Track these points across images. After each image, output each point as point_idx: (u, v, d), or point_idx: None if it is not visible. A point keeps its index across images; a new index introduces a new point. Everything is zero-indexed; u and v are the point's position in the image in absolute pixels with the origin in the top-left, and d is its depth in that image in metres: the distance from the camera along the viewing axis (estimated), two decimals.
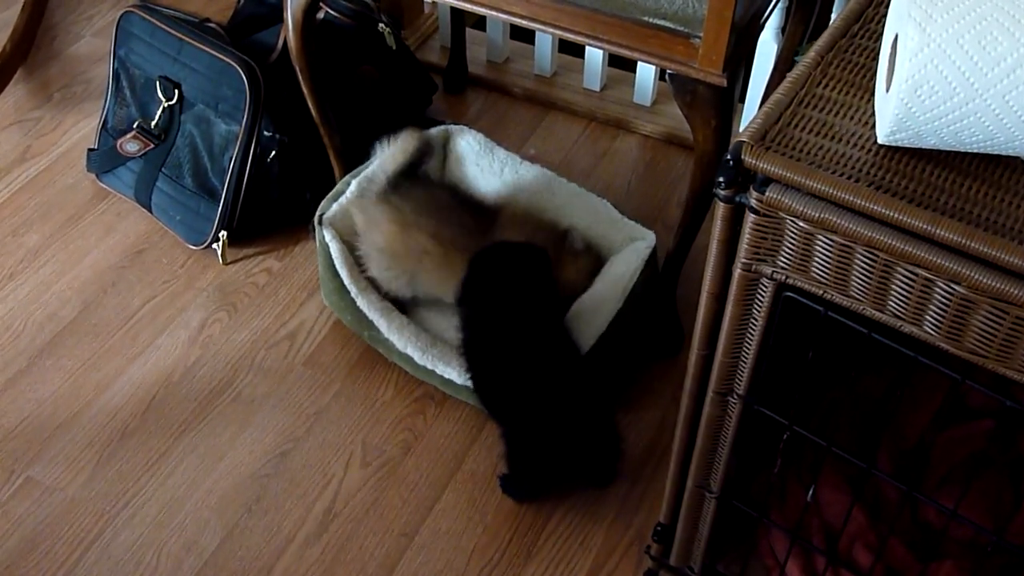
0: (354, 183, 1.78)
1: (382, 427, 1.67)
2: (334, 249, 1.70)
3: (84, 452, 1.63)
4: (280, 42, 1.89)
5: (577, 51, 2.33)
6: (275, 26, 1.96)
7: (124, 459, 1.62)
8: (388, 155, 1.73)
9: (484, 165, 1.89)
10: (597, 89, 2.30)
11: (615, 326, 1.62)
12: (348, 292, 1.69)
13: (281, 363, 1.76)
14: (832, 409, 1.40)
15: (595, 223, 1.79)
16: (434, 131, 1.91)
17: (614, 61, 2.29)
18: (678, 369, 1.76)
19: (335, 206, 1.76)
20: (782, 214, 0.94)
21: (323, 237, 1.71)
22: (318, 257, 1.74)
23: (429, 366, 1.64)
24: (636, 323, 1.70)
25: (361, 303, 1.68)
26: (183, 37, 1.89)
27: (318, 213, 1.75)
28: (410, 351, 1.65)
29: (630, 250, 1.74)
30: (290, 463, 1.62)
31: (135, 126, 1.97)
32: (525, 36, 2.36)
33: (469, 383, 1.55)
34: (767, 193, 0.93)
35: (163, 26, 1.92)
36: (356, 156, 1.89)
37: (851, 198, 0.88)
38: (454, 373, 1.62)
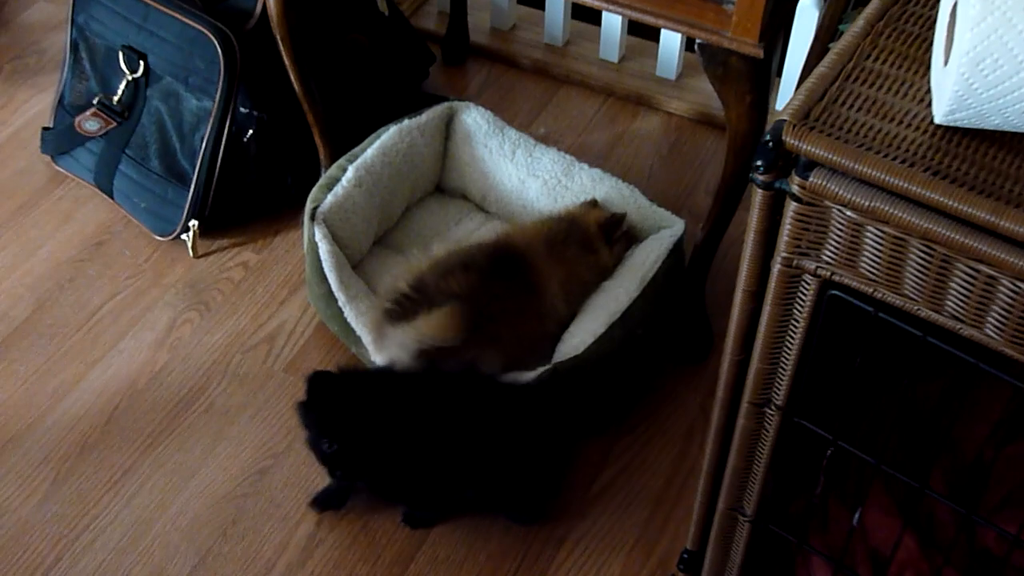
0: (351, 169, 1.79)
1: None
2: (323, 250, 1.70)
3: (39, 469, 1.64)
4: (259, 7, 1.89)
5: (593, 17, 2.33)
6: None
7: (83, 476, 1.63)
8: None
9: (493, 146, 1.90)
10: (615, 60, 2.30)
11: (627, 322, 1.62)
12: (335, 300, 1.69)
13: (259, 369, 1.77)
14: (880, 421, 1.40)
15: (621, 209, 1.80)
16: (437, 108, 1.91)
17: (634, 29, 2.29)
18: (707, 376, 1.76)
19: (330, 197, 1.76)
20: (827, 202, 0.94)
21: (313, 235, 1.72)
22: (306, 256, 1.74)
23: None
24: (657, 322, 1.70)
25: (349, 314, 1.68)
26: (150, 2, 1.89)
27: (310, 205, 1.75)
28: None
29: (653, 239, 1.74)
30: (269, 482, 1.62)
31: (95, 102, 1.97)
32: (534, 1, 2.36)
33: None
34: (811, 179, 0.93)
35: None
36: (343, 136, 1.90)
37: (905, 185, 0.89)
38: None
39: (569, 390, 1.58)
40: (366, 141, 1.86)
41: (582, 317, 1.66)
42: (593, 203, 1.80)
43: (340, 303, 1.68)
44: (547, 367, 1.57)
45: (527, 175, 1.88)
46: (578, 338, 1.61)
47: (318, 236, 1.71)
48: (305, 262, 1.75)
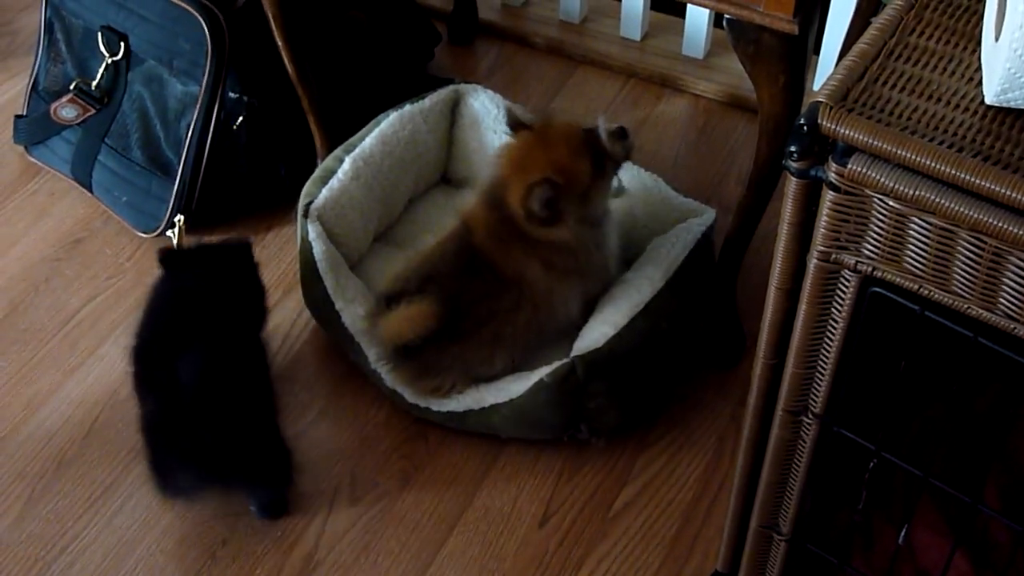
0: (348, 161, 1.79)
1: (375, 455, 1.68)
2: (318, 250, 1.70)
3: (12, 485, 1.64)
4: None
5: None
6: None
7: (61, 494, 1.63)
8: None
9: (502, 131, 1.90)
10: (637, 38, 2.30)
11: (650, 314, 1.61)
12: (332, 304, 1.69)
13: None
14: (928, 431, 1.40)
15: (645, 201, 1.80)
16: (441, 92, 1.91)
17: (658, 4, 2.29)
18: (738, 381, 1.76)
19: (325, 191, 1.76)
20: (868, 191, 0.94)
21: (307, 233, 1.72)
22: (300, 255, 1.75)
23: (422, 404, 1.66)
24: (683, 318, 1.69)
25: (345, 318, 1.69)
26: None
27: (303, 201, 1.75)
28: (400, 388, 1.67)
29: (681, 228, 1.74)
30: None
31: (72, 87, 1.98)
32: None
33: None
34: (850, 165, 0.93)
35: None
36: (341, 122, 1.90)
37: (953, 171, 0.88)
38: (453, 403, 1.64)
39: (591, 385, 1.58)
40: (364, 129, 1.86)
41: (603, 308, 1.65)
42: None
43: (337, 307, 1.68)
44: (565, 361, 1.57)
45: None
46: (598, 331, 1.61)
47: (312, 235, 1.71)
48: (300, 263, 1.75)
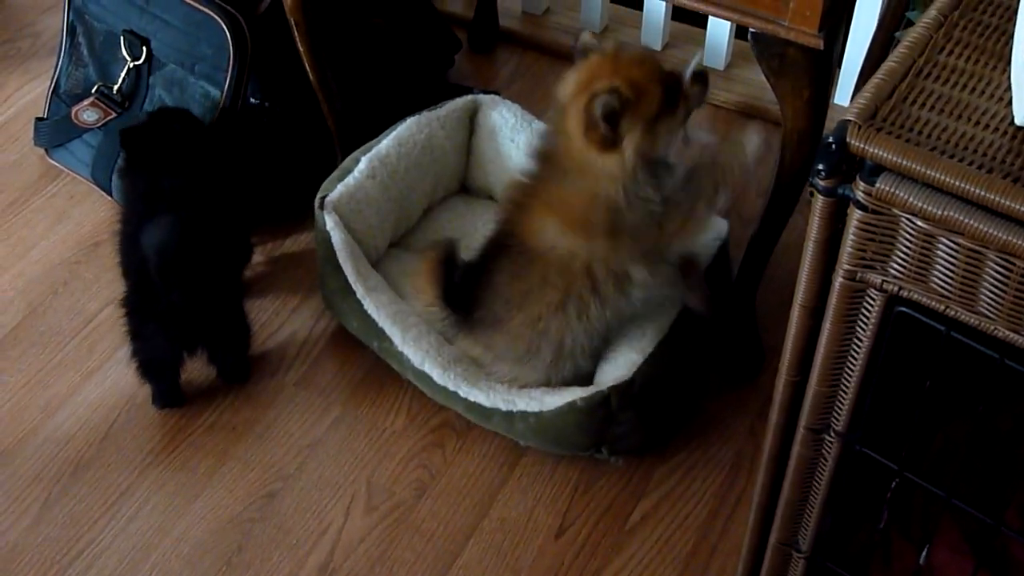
0: (364, 160, 1.79)
1: (391, 463, 1.68)
2: (337, 239, 1.71)
3: (29, 488, 1.65)
4: None
5: (633, 1, 2.33)
6: None
7: (78, 497, 1.64)
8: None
9: (521, 142, 1.90)
10: (658, 48, 2.30)
11: (674, 342, 1.61)
12: (353, 292, 1.70)
13: (268, 383, 1.77)
14: (950, 448, 1.39)
15: None
16: (459, 101, 1.91)
17: (679, 14, 2.29)
18: (757, 396, 1.75)
19: (340, 187, 1.77)
20: (896, 210, 0.93)
21: (324, 224, 1.72)
22: (317, 249, 1.75)
23: (451, 387, 1.65)
24: (701, 336, 1.69)
25: (369, 306, 1.69)
26: None
27: (320, 195, 1.76)
28: (428, 367, 1.65)
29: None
30: (279, 506, 1.63)
31: (94, 91, 1.98)
32: None
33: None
34: (878, 184, 0.92)
35: None
36: (361, 129, 1.90)
37: (982, 192, 0.88)
38: (482, 396, 1.62)
39: (621, 414, 1.58)
40: (383, 134, 1.86)
41: (627, 332, 1.64)
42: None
43: (358, 295, 1.68)
44: (602, 391, 1.56)
45: None
46: (627, 358, 1.60)
47: (330, 224, 1.72)
48: (317, 256, 1.76)
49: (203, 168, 1.76)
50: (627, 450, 1.65)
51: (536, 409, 1.59)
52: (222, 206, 1.76)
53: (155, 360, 1.68)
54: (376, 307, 1.69)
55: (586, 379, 1.64)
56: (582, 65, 1.50)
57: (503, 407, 1.62)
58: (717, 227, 1.76)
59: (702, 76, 1.50)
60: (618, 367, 1.60)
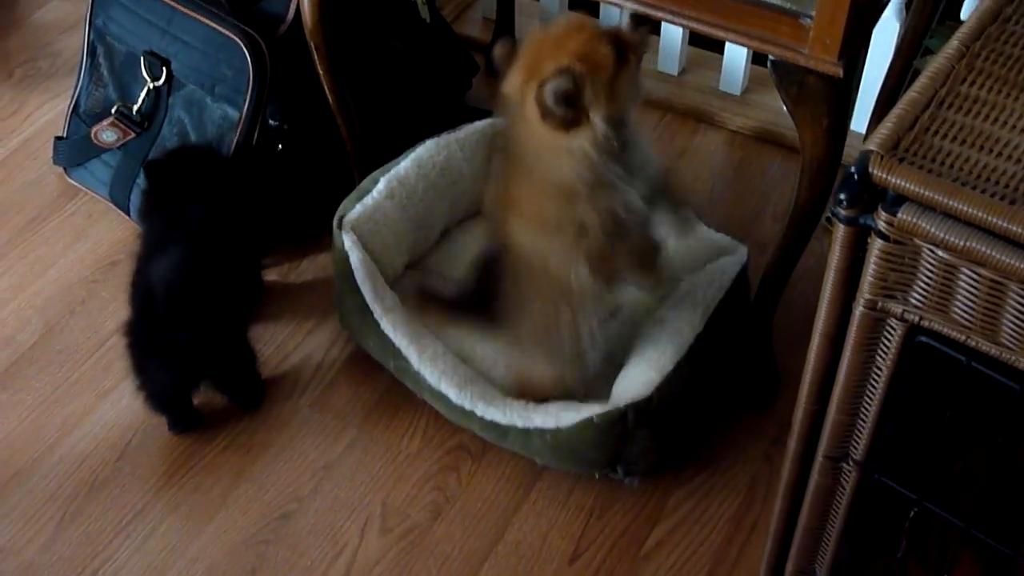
0: (383, 181, 1.80)
1: (407, 485, 1.68)
2: (355, 258, 1.72)
3: (45, 507, 1.65)
4: (291, 12, 1.91)
5: (650, 25, 2.33)
6: None
7: (92, 517, 1.64)
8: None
9: None
10: (675, 73, 2.30)
11: (693, 360, 1.61)
12: (371, 312, 1.70)
13: (283, 404, 1.78)
14: (969, 480, 1.39)
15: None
16: (478, 124, 1.91)
17: (696, 39, 2.29)
18: (773, 421, 1.75)
19: (359, 207, 1.77)
20: (918, 241, 0.93)
21: (342, 243, 1.73)
22: (335, 267, 1.76)
23: (467, 406, 1.65)
24: (721, 359, 1.69)
25: (386, 325, 1.69)
26: (175, 4, 1.91)
27: (338, 215, 1.76)
28: (444, 387, 1.66)
29: (713, 267, 1.74)
30: (293, 527, 1.63)
31: (114, 111, 1.99)
32: (587, 6, 2.36)
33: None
34: (900, 215, 0.92)
35: None
36: (379, 152, 1.91)
37: (1005, 224, 0.88)
38: (498, 413, 1.63)
39: (638, 432, 1.58)
40: (402, 155, 1.87)
41: (645, 350, 1.64)
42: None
43: (376, 315, 1.69)
44: (619, 407, 1.56)
45: None
46: (645, 375, 1.60)
47: (348, 244, 1.72)
48: (334, 275, 1.77)
49: (220, 204, 1.76)
50: (642, 470, 1.65)
51: (553, 425, 1.59)
52: (237, 243, 1.76)
53: (160, 393, 1.69)
54: (393, 327, 1.69)
55: (606, 384, 1.64)
56: (524, 52, 1.42)
57: (520, 423, 1.62)
58: (737, 252, 1.76)
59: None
60: (636, 385, 1.59)
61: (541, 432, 1.60)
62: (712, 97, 2.26)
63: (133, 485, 1.68)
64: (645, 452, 1.62)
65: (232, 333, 1.71)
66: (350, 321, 1.77)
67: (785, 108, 1.42)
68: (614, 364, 1.67)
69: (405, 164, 1.83)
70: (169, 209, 1.73)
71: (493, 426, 1.64)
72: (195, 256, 1.62)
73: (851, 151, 1.45)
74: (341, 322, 1.80)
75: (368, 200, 1.79)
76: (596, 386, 1.64)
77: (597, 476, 1.65)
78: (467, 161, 1.91)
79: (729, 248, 1.79)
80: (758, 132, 2.20)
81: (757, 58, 2.03)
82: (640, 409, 1.56)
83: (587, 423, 1.56)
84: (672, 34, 2.26)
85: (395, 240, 1.82)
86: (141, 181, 1.97)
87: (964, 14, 1.96)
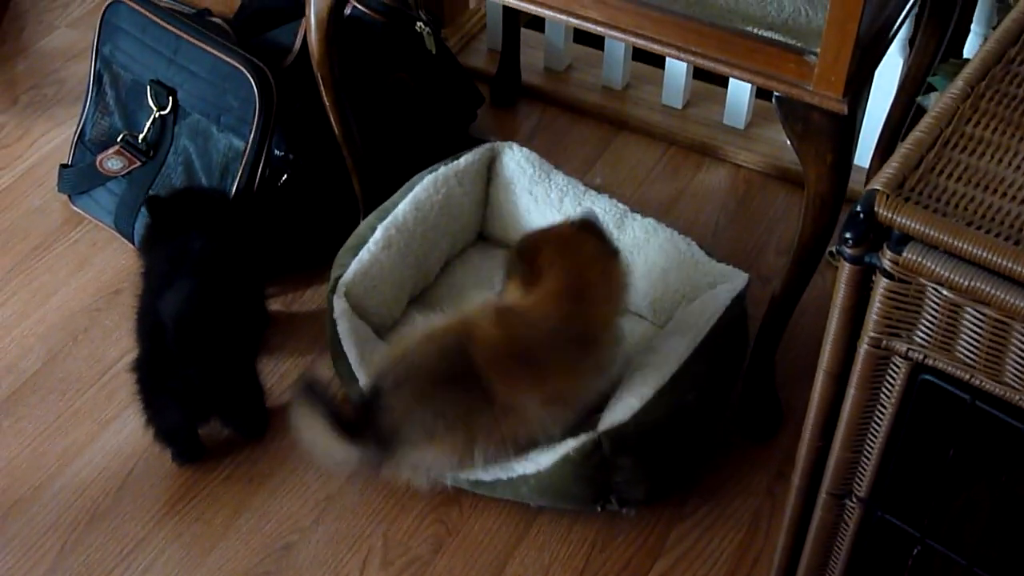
0: (380, 229, 1.79)
1: (407, 518, 1.68)
2: (343, 327, 1.70)
3: (45, 537, 1.65)
4: (298, 43, 1.92)
5: (655, 59, 2.35)
6: (291, 23, 2.00)
7: (93, 547, 1.64)
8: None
9: (539, 194, 1.90)
10: (679, 106, 2.32)
11: (678, 387, 1.61)
12: (358, 380, 1.68)
13: (286, 435, 1.77)
14: (972, 518, 1.39)
15: (675, 265, 1.80)
16: (477, 152, 1.91)
17: (700, 73, 2.31)
18: (775, 455, 1.75)
19: (354, 264, 1.76)
20: (923, 280, 0.94)
21: (333, 310, 1.72)
22: (327, 329, 1.75)
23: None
24: (714, 388, 1.69)
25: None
26: (181, 34, 1.93)
27: (334, 273, 1.76)
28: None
29: (709, 294, 1.74)
30: (294, 559, 1.63)
31: (119, 139, 2.00)
32: (591, 39, 2.38)
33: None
34: (905, 254, 0.93)
35: (158, 20, 1.96)
36: (384, 182, 1.91)
37: (1010, 264, 0.88)
38: (480, 472, 1.62)
39: (617, 460, 1.58)
40: (397, 193, 1.86)
41: (630, 378, 1.65)
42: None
43: (361, 384, 1.67)
44: (592, 435, 1.56)
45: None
46: (625, 403, 1.59)
47: (337, 312, 1.72)
48: (326, 333, 1.76)
49: (225, 237, 1.76)
50: (634, 500, 1.65)
51: (533, 471, 1.59)
52: (243, 275, 1.77)
53: (170, 428, 1.69)
54: None
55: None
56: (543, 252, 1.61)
57: (503, 476, 1.62)
58: (735, 280, 1.76)
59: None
60: (615, 413, 1.59)
61: (525, 478, 1.60)
62: (716, 131, 2.27)
63: (134, 515, 1.67)
64: (632, 481, 1.62)
65: (242, 367, 1.72)
66: (341, 381, 1.76)
67: (789, 143, 1.43)
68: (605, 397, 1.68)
69: (403, 208, 1.82)
70: (173, 243, 1.73)
71: (479, 483, 1.65)
72: (204, 290, 1.63)
73: (854, 185, 1.47)
74: (335, 373, 1.79)
75: (364, 254, 1.77)
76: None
77: (600, 509, 1.65)
78: (466, 194, 1.91)
79: (728, 276, 1.78)
80: (762, 166, 2.21)
81: (761, 92, 2.04)
82: (615, 437, 1.55)
83: (565, 459, 1.56)
84: (676, 68, 2.27)
85: (394, 292, 1.82)
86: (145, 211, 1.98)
87: (967, 51, 1.98)
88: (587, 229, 1.65)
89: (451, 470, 1.61)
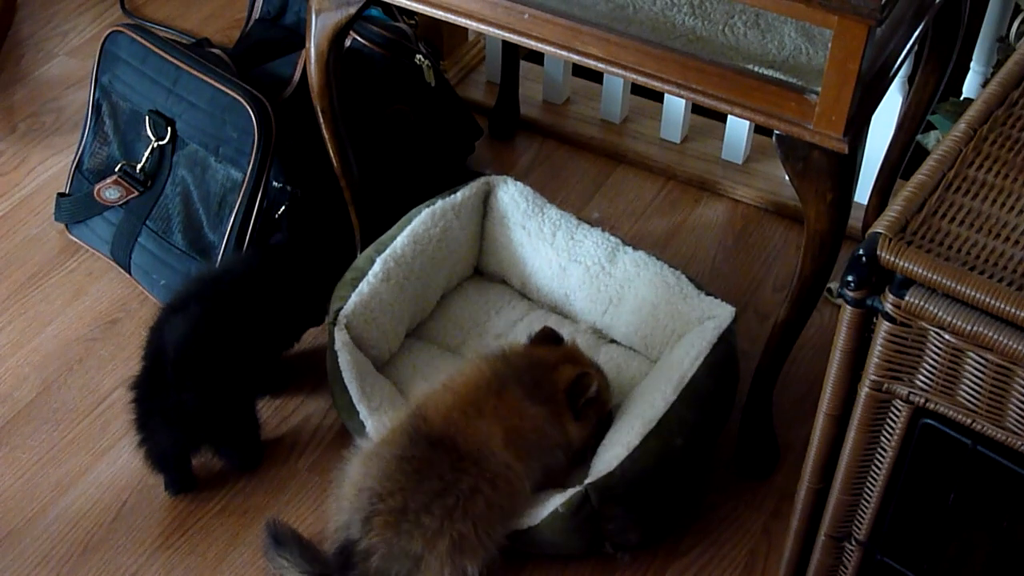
0: (378, 262, 1.79)
1: None
2: (343, 360, 1.70)
3: (37, 569, 1.64)
4: (298, 75, 1.93)
5: (654, 93, 2.34)
6: (290, 54, 2.00)
7: None
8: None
9: (532, 228, 1.90)
10: (677, 141, 2.32)
11: (664, 432, 1.59)
12: (357, 412, 1.69)
13: (281, 467, 1.77)
14: (967, 559, 1.38)
15: (665, 299, 1.79)
16: (473, 186, 1.91)
17: (699, 108, 2.30)
18: (771, 494, 1.74)
19: (354, 296, 1.76)
20: (924, 324, 0.94)
21: (334, 343, 1.72)
22: (328, 362, 1.74)
23: None
24: (702, 430, 1.67)
25: (370, 428, 1.67)
26: (181, 65, 1.93)
27: (333, 307, 1.76)
28: None
29: (696, 332, 1.73)
30: None
31: (117, 169, 1.99)
32: (591, 73, 2.39)
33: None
34: (907, 298, 0.93)
35: (157, 50, 1.96)
36: (381, 214, 1.91)
37: (1012, 310, 0.88)
38: None
39: (607, 510, 1.57)
40: (396, 226, 1.86)
41: (616, 426, 1.64)
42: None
43: (361, 416, 1.67)
44: (579, 489, 1.55)
45: (568, 260, 1.87)
46: (611, 452, 1.59)
47: (338, 344, 1.71)
48: (327, 366, 1.75)
49: (244, 273, 1.76)
50: (628, 546, 1.64)
51: (525, 527, 1.58)
52: (256, 314, 1.74)
53: (160, 453, 1.68)
54: (376, 429, 1.65)
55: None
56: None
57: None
58: (719, 313, 1.74)
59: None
60: (601, 462, 1.58)
61: (518, 534, 1.58)
62: (715, 165, 2.27)
63: (127, 547, 1.66)
64: (624, 529, 1.60)
65: (238, 403, 1.71)
66: (340, 414, 1.75)
67: (789, 180, 1.43)
68: None
69: (401, 240, 1.82)
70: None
71: None
72: (211, 322, 1.62)
73: (852, 222, 1.47)
74: (334, 405, 1.78)
75: (363, 287, 1.77)
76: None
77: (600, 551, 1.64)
78: (463, 229, 1.91)
79: (716, 310, 1.75)
80: (760, 201, 2.21)
81: (760, 127, 2.04)
82: (602, 487, 1.55)
83: (554, 515, 1.55)
84: (675, 103, 2.27)
85: (393, 324, 1.81)
86: (143, 239, 1.98)
87: (967, 90, 1.98)
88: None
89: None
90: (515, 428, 1.56)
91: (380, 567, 1.48)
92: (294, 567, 1.51)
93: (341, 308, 1.75)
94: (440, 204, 1.88)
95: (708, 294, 1.78)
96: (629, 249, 1.85)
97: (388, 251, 1.80)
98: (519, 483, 1.56)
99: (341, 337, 1.72)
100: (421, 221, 1.85)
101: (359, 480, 1.53)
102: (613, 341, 1.88)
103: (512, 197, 1.91)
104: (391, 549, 1.47)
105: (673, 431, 1.60)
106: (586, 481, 1.55)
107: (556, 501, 1.55)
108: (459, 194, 1.90)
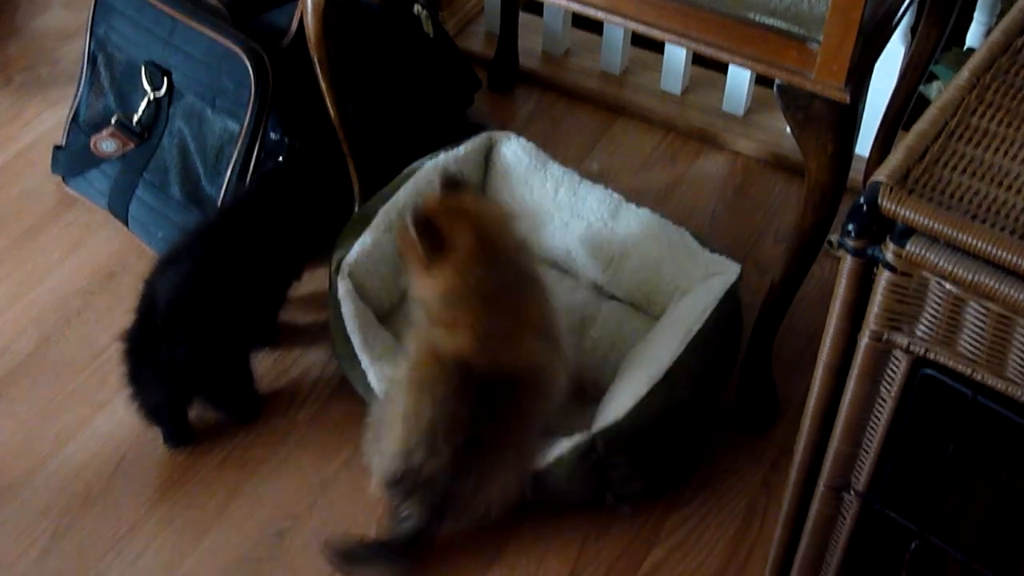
0: (381, 213, 1.79)
1: None
2: (347, 309, 1.70)
3: (37, 521, 1.64)
4: (295, 25, 1.91)
5: (654, 44, 2.33)
6: (287, 4, 1.98)
7: (86, 531, 1.63)
8: None
9: (535, 183, 1.89)
10: (678, 93, 2.30)
11: (671, 384, 1.60)
12: (359, 361, 1.69)
13: (280, 420, 1.77)
14: (971, 513, 1.38)
15: (668, 256, 1.78)
16: (475, 141, 1.90)
17: (699, 59, 2.29)
18: (771, 447, 1.74)
19: (357, 246, 1.76)
20: (925, 273, 0.93)
21: (336, 291, 1.72)
22: (330, 311, 1.74)
23: None
24: (709, 382, 1.67)
25: (372, 377, 1.67)
26: (177, 15, 1.91)
27: (336, 256, 1.75)
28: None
29: (702, 288, 1.73)
30: (288, 546, 1.62)
31: (113, 121, 1.99)
32: (590, 24, 2.37)
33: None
34: (908, 247, 0.92)
35: (153, 1, 1.94)
36: (380, 167, 1.90)
37: (1014, 259, 0.88)
38: None
39: (612, 459, 1.57)
40: (398, 179, 1.86)
41: (623, 376, 1.64)
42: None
43: (363, 366, 1.67)
44: (585, 437, 1.55)
45: (571, 216, 1.86)
46: (618, 402, 1.59)
47: (341, 292, 1.71)
48: (330, 315, 1.75)
49: (236, 226, 1.74)
50: (630, 496, 1.64)
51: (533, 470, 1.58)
52: (248, 268, 1.72)
53: (152, 406, 1.68)
54: (378, 379, 1.66)
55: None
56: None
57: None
58: (727, 272, 1.74)
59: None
60: (609, 411, 1.58)
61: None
62: (715, 117, 2.26)
63: (127, 499, 1.67)
64: (628, 478, 1.61)
65: (231, 356, 1.70)
66: (342, 364, 1.75)
67: (789, 131, 1.42)
68: (600, 388, 1.68)
69: (404, 193, 1.81)
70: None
71: None
72: (203, 273, 1.62)
73: (853, 174, 1.46)
74: (335, 355, 1.78)
75: (367, 237, 1.77)
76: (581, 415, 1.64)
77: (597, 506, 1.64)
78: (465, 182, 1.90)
79: (722, 267, 1.76)
80: (761, 154, 2.20)
81: (760, 78, 2.02)
82: (610, 436, 1.55)
83: (559, 460, 1.55)
84: (675, 54, 2.26)
85: (394, 275, 1.80)
86: (140, 191, 1.97)
87: (970, 40, 1.97)
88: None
89: (519, 483, 1.57)
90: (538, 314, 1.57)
91: (448, 488, 1.49)
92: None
93: (344, 256, 1.74)
94: (443, 157, 1.87)
95: (712, 251, 1.78)
96: (633, 206, 1.84)
97: (390, 203, 1.80)
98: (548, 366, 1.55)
99: (344, 286, 1.71)
100: (424, 174, 1.84)
101: (408, 416, 1.50)
102: (613, 297, 1.87)
103: (515, 152, 1.90)
104: (457, 469, 1.49)
105: (680, 383, 1.60)
106: (593, 428, 1.56)
107: (563, 446, 1.55)
108: (462, 148, 1.89)
